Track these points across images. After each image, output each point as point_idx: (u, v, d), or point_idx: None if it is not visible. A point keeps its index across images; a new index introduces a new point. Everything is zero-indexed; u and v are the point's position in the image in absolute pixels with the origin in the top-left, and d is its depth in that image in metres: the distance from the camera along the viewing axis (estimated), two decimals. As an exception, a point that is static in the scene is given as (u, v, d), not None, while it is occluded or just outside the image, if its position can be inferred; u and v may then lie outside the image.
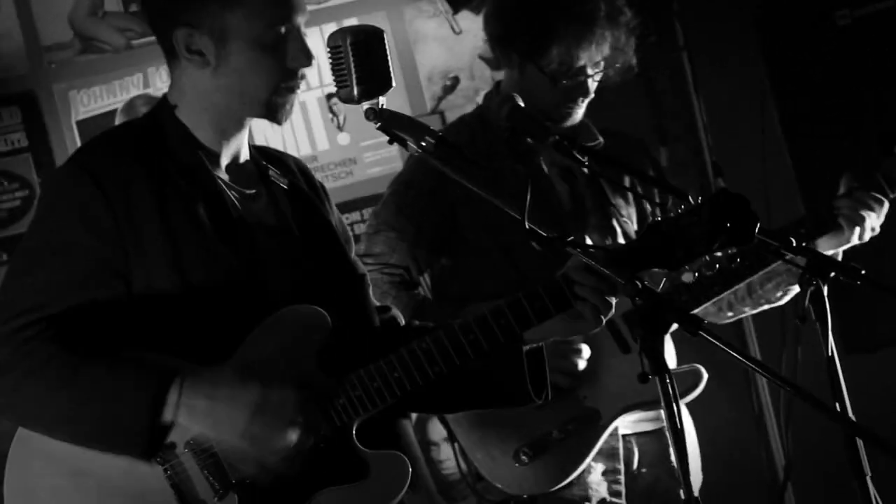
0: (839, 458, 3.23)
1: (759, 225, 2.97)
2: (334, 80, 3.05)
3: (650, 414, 3.93)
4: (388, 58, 3.09)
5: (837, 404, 3.18)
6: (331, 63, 3.03)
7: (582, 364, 3.87)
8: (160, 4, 3.12)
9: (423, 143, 3.09)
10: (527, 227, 2.93)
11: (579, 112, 3.91)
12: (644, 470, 4.02)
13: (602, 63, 3.86)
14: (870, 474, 3.13)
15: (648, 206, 4.07)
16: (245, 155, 3.19)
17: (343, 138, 5.27)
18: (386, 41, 3.09)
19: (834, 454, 3.30)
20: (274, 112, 3.12)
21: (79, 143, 5.28)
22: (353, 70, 3.03)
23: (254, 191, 3.18)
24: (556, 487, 3.85)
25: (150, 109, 3.24)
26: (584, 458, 3.85)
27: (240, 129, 3.14)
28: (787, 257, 3.35)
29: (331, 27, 5.30)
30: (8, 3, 5.28)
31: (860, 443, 3.14)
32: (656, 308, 2.76)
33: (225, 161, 3.15)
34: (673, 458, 3.60)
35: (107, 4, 5.36)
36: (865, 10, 4.80)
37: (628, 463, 3.99)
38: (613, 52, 3.90)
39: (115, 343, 2.94)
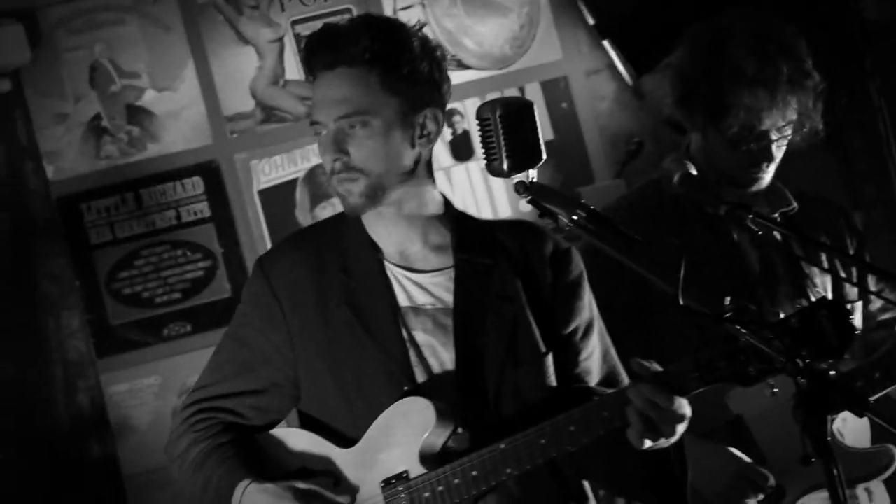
0: None
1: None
2: (483, 153, 3.07)
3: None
4: (539, 130, 3.10)
5: None
6: (480, 135, 3.05)
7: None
8: None
9: (575, 217, 3.06)
10: (681, 302, 2.92)
11: (765, 177, 3.86)
12: None
13: (786, 127, 3.80)
14: None
15: (844, 275, 4.00)
16: (430, 242, 3.31)
17: (525, 204, 5.21)
18: (536, 113, 3.10)
19: None
20: (340, 197, 3.31)
21: (261, 213, 5.44)
22: (502, 143, 3.05)
23: (435, 274, 3.28)
24: None
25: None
26: None
27: (409, 230, 3.30)
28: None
29: (511, 92, 5.37)
30: (191, 74, 5.42)
31: None
32: (819, 389, 2.74)
33: (397, 252, 3.31)
34: None
35: (287, 73, 5.46)
36: None
37: None
38: (799, 117, 3.84)
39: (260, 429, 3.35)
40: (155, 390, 5.46)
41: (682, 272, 3.06)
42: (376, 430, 3.25)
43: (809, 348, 2.87)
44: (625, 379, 3.35)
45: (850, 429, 3.92)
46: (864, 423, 3.94)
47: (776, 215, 3.97)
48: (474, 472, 3.15)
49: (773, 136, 3.81)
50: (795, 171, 5.57)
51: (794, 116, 3.81)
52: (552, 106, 5.51)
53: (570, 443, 3.13)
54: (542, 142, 3.13)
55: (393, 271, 3.29)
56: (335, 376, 3.28)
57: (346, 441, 3.28)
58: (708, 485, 3.82)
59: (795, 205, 3.96)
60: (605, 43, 5.36)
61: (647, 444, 3.04)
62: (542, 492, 3.23)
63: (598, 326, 3.37)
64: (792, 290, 3.95)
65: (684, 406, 3.06)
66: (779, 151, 3.84)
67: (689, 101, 3.96)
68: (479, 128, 3.04)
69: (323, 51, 3.25)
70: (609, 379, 3.35)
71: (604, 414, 3.11)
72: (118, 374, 5.46)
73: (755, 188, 3.90)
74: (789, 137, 3.84)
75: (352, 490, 3.28)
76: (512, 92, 5.24)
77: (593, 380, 3.32)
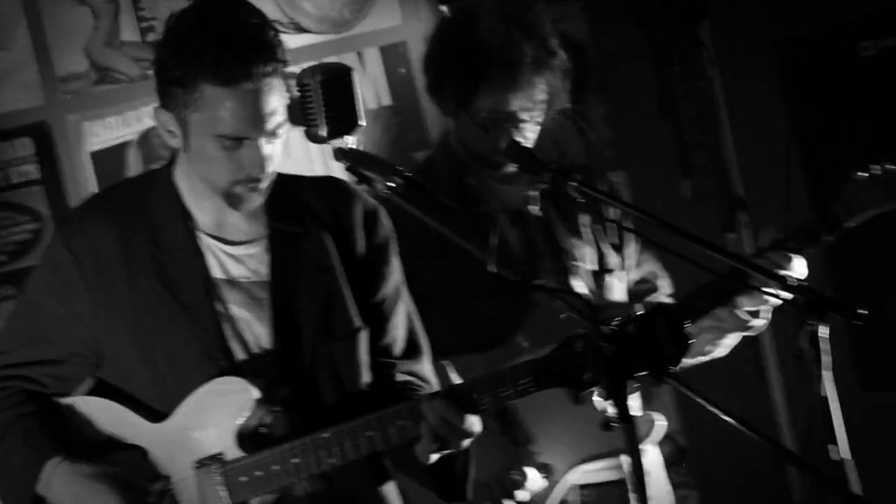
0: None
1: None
2: (302, 119, 3.04)
3: (610, 462, 3.93)
4: (358, 97, 3.10)
5: (831, 446, 3.15)
6: (299, 101, 3.03)
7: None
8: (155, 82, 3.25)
9: (392, 184, 3.08)
10: (493, 269, 2.94)
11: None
12: None
13: (535, 108, 3.87)
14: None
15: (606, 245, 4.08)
16: (245, 210, 3.26)
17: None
18: (355, 80, 3.10)
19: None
20: (232, 202, 3.20)
21: (92, 175, 5.37)
22: (322, 109, 3.04)
23: (249, 245, 3.26)
24: None
25: (153, 169, 3.41)
26: None
27: (221, 202, 3.24)
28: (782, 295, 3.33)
29: (349, 57, 5.38)
30: (23, 34, 5.33)
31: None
32: (621, 355, 2.78)
33: (212, 221, 3.26)
34: None
35: (123, 34, 5.39)
36: (890, 42, 4.85)
37: None
38: (548, 97, 3.91)
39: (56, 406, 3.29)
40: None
41: (495, 239, 3.10)
42: (190, 406, 3.23)
43: (646, 355, 2.91)
44: (424, 349, 3.45)
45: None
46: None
47: (536, 193, 4.02)
48: (295, 460, 3.16)
49: (523, 116, 3.86)
50: (628, 139, 5.73)
51: (543, 96, 3.86)
52: (391, 71, 5.53)
53: (398, 437, 3.16)
54: (361, 108, 3.12)
55: (207, 242, 3.27)
56: (142, 350, 3.25)
57: (153, 415, 3.26)
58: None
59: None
60: (443, 8, 5.37)
61: (433, 458, 3.11)
62: (351, 469, 3.28)
63: (404, 290, 3.41)
64: (553, 265, 4.02)
65: (475, 423, 3.11)
66: (531, 132, 3.88)
67: (439, 88, 4.00)
68: (298, 94, 3.04)
69: (254, 61, 3.13)
70: (410, 345, 3.43)
71: (398, 423, 3.15)
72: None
73: (508, 170, 3.96)
74: (540, 118, 3.89)
75: (162, 467, 3.27)
76: (350, 57, 5.24)
77: (398, 347, 3.39)
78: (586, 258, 4.01)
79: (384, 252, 3.39)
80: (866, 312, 3.15)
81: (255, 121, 3.08)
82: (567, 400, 3.78)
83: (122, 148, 5.43)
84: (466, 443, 3.13)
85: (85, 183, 5.42)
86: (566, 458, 3.91)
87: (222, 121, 3.07)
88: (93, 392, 3.36)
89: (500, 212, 3.99)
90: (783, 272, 3.68)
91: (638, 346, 2.87)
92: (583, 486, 3.95)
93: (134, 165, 5.47)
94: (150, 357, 3.23)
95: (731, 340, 3.99)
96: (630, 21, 5.78)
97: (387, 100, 5.50)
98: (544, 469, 3.89)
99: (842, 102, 4.99)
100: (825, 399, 3.19)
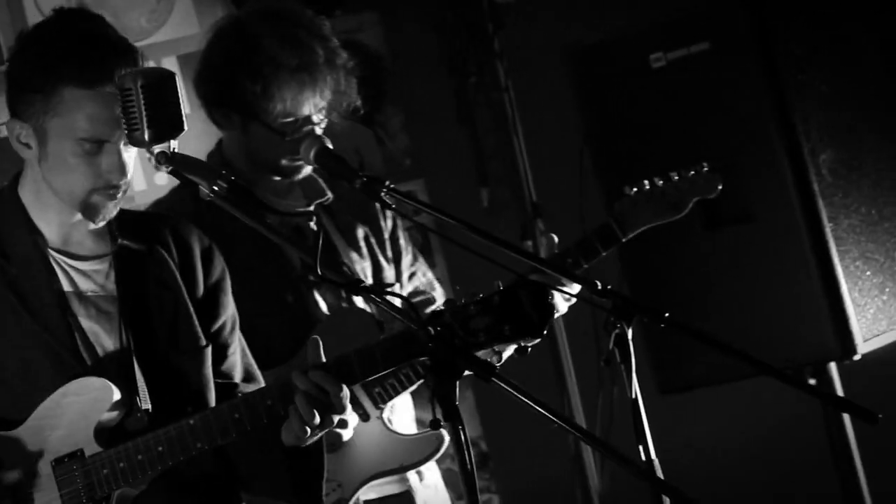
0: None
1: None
2: (124, 124, 3.01)
3: (395, 478, 3.99)
4: (181, 101, 3.07)
5: (641, 447, 3.25)
6: (121, 106, 3.00)
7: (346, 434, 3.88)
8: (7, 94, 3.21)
9: (216, 188, 3.07)
10: (319, 272, 2.96)
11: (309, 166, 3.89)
12: None
13: (324, 108, 3.85)
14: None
15: (382, 259, 4.09)
16: (94, 227, 3.24)
17: (161, 178, 5.19)
18: (178, 84, 3.07)
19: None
20: (89, 213, 3.19)
21: None
22: (143, 113, 3.01)
23: (96, 261, 3.26)
24: None
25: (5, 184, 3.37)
26: None
27: (71, 215, 3.21)
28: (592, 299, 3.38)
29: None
30: None
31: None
32: (449, 356, 2.81)
33: (59, 237, 3.24)
34: None
35: None
36: (679, 54, 4.88)
37: None
38: (336, 96, 3.89)
39: None
40: None
41: (319, 241, 3.19)
42: (45, 410, 3.22)
43: (511, 325, 2.97)
44: (259, 376, 3.48)
45: (398, 416, 4.03)
46: (409, 409, 4.07)
47: (312, 207, 4.00)
48: (160, 448, 3.16)
49: (315, 118, 3.84)
50: (425, 148, 5.77)
51: (330, 97, 3.85)
52: (189, 80, 5.44)
53: (266, 415, 3.17)
54: (184, 112, 3.10)
55: (55, 257, 3.26)
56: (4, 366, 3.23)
57: (6, 424, 3.23)
58: None
59: (330, 195, 4.00)
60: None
61: (308, 434, 3.11)
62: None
63: (237, 324, 3.45)
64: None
65: (347, 395, 3.13)
66: (321, 132, 3.87)
67: (223, 101, 3.93)
68: (119, 98, 3.01)
69: (117, 64, 3.12)
70: (248, 373, 3.45)
71: (267, 402, 3.17)
72: None
73: (300, 176, 3.94)
74: (328, 118, 3.88)
75: (20, 471, 3.24)
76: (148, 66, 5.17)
77: (237, 372, 3.41)
78: (366, 272, 4.01)
79: (222, 284, 3.42)
80: (668, 315, 3.22)
81: (115, 124, 3.07)
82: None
83: None
84: (336, 420, 3.16)
85: None
86: (353, 478, 3.95)
87: (83, 124, 3.09)
88: None
89: (280, 228, 3.94)
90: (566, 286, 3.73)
91: (503, 316, 2.95)
92: (368, 501, 3.99)
93: None
94: (1, 368, 3.23)
95: None
96: (425, 31, 5.79)
97: (187, 108, 5.34)
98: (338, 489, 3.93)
99: (634, 111, 5.05)
100: (635, 400, 3.28)
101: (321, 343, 3.29)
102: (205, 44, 4.05)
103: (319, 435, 3.18)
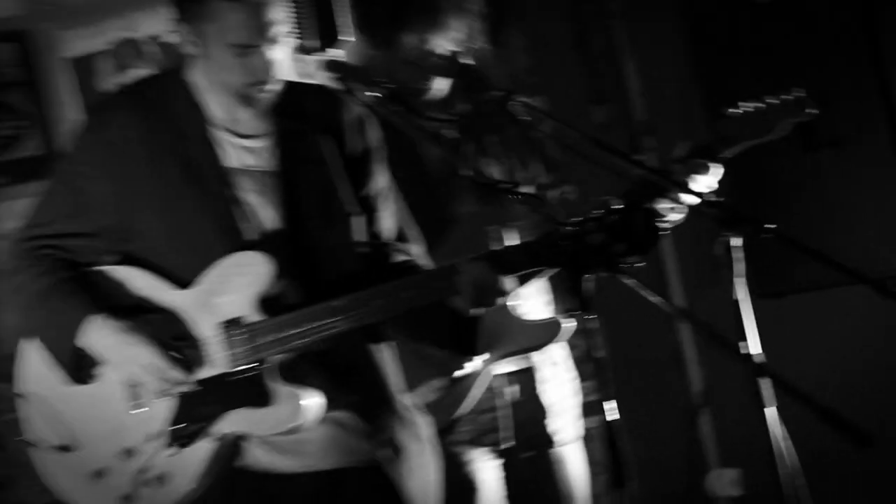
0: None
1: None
2: (295, 33, 3.33)
3: (522, 355, 4.17)
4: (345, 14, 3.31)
5: (741, 344, 3.32)
6: (294, 16, 3.32)
7: None
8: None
9: (375, 94, 3.36)
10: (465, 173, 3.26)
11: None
12: (521, 401, 4.25)
13: (454, 47, 4.07)
14: (774, 405, 3.25)
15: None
16: (256, 108, 3.40)
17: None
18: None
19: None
20: (245, 102, 3.40)
21: (70, 79, 5.52)
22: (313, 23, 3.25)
23: (257, 137, 3.43)
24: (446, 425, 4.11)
25: (167, 69, 3.58)
26: (464, 398, 4.12)
27: (236, 101, 3.39)
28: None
29: None
30: None
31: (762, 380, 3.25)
32: (579, 252, 3.07)
33: (225, 116, 3.42)
34: (539, 390, 4.11)
35: None
36: None
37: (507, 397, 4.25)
38: (465, 37, 4.08)
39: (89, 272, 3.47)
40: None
41: (468, 147, 3.33)
42: (212, 276, 3.37)
43: (622, 243, 3.09)
44: (414, 236, 3.66)
45: (525, 302, 4.13)
46: (538, 296, 4.18)
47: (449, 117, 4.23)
48: (309, 324, 3.33)
49: (444, 53, 4.05)
50: (544, 68, 5.89)
51: (462, 36, 4.07)
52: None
53: (404, 305, 3.34)
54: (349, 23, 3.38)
55: (222, 135, 3.42)
56: (168, 227, 3.40)
57: (179, 282, 3.41)
58: None
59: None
60: None
61: (470, 311, 3.34)
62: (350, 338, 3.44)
63: (392, 193, 3.61)
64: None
65: (508, 282, 3.33)
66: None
67: (366, 27, 4.14)
68: (293, 10, 3.30)
69: None
70: (401, 234, 3.61)
71: (436, 283, 3.34)
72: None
73: (435, 91, 4.11)
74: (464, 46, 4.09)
75: (189, 327, 3.40)
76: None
77: (390, 234, 3.59)
78: (495, 174, 4.19)
79: (371, 154, 3.57)
80: (774, 226, 3.33)
81: (260, 30, 3.30)
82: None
83: (97, 55, 5.60)
84: (500, 301, 3.34)
85: (65, 85, 5.54)
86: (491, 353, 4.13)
87: (232, 30, 3.30)
88: (119, 264, 3.51)
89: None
90: (698, 180, 3.96)
91: (617, 233, 3.09)
92: (500, 375, 4.16)
93: (106, 71, 5.64)
94: (174, 233, 3.39)
95: None
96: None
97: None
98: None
99: (738, 41, 5.20)
100: (737, 302, 3.39)
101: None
102: None
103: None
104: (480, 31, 4.16)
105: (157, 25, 5.58)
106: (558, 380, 4.31)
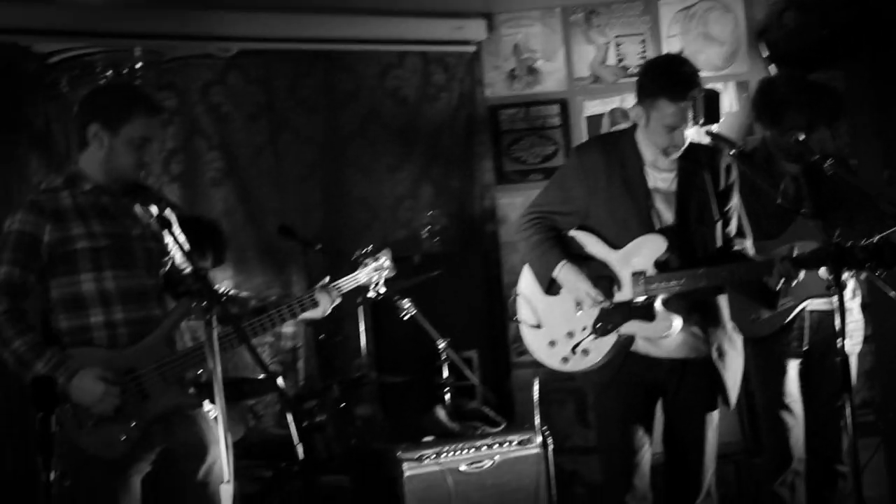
0: None
1: None
2: (698, 119, 4.48)
3: (827, 300, 5.33)
4: (721, 106, 5.05)
5: None
6: (697, 108, 4.39)
7: None
8: (636, 92, 4.49)
9: (733, 152, 4.50)
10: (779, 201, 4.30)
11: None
12: (820, 334, 5.41)
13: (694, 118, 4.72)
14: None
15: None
16: (669, 157, 4.23)
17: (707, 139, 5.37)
18: (721, 99, 5.02)
19: None
20: (665, 154, 4.42)
21: (585, 128, 7.56)
22: (702, 112, 4.36)
23: (668, 171, 4.38)
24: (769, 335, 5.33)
25: (626, 128, 4.78)
26: (784, 319, 5.30)
27: (660, 153, 4.36)
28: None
29: None
30: (560, 54, 7.34)
31: None
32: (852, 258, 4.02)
33: (652, 158, 4.37)
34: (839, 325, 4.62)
35: (608, 61, 7.45)
36: None
37: (812, 328, 5.46)
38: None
39: None
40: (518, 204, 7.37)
41: (789, 187, 4.38)
42: (631, 246, 4.52)
43: (879, 261, 4.07)
44: (745, 232, 4.69)
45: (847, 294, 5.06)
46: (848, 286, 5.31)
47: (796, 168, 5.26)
48: (682, 280, 4.47)
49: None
50: (859, 141, 6.95)
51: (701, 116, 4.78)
52: (736, 95, 7.44)
53: (741, 277, 4.32)
54: (721, 111, 5.09)
55: (647, 169, 4.57)
56: (611, 216, 4.59)
57: (613, 246, 4.63)
58: None
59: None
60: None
61: (777, 285, 4.38)
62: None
63: (741, 206, 4.70)
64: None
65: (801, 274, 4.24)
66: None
67: (775, 123, 5.26)
68: (701, 101, 4.37)
69: (692, 86, 4.34)
70: (740, 231, 4.72)
71: (758, 269, 4.32)
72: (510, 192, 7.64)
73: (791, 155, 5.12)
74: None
75: (613, 273, 4.50)
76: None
77: (733, 232, 4.74)
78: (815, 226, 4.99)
79: (733, 185, 4.72)
80: None
81: (685, 119, 4.42)
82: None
83: (599, 117, 7.72)
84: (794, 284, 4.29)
85: (582, 131, 7.69)
86: (800, 293, 5.22)
87: (668, 118, 4.44)
88: (580, 230, 4.77)
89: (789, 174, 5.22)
90: None
91: (877, 255, 4.07)
92: (811, 312, 5.38)
93: (605, 126, 7.67)
94: (615, 219, 4.61)
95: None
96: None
97: (728, 109, 7.35)
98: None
99: None
100: None
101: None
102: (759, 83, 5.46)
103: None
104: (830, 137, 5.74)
105: (627, 105, 7.35)
106: (852, 316, 5.48)
